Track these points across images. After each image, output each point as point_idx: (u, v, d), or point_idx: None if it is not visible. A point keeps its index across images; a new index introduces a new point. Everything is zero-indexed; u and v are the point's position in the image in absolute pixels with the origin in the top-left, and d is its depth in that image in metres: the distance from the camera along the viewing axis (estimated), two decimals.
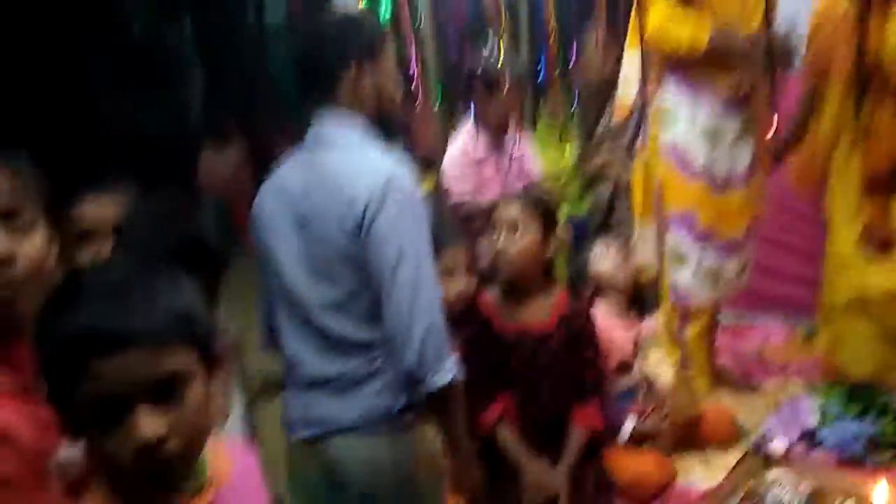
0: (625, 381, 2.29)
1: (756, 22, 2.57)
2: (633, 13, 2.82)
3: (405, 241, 1.52)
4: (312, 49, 1.66)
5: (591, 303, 2.30)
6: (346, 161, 1.57)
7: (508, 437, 2.00)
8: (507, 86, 2.69)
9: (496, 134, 2.78)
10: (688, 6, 2.50)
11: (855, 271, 2.50)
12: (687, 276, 2.77)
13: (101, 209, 1.56)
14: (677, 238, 2.75)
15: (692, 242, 2.74)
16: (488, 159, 2.78)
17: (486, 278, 2.13)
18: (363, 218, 1.50)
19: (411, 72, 3.07)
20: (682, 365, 2.87)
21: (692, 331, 2.88)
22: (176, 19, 5.23)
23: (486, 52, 2.77)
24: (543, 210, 2.03)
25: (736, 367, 3.15)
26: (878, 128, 2.43)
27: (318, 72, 1.62)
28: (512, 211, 1.99)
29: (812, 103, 2.62)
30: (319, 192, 1.57)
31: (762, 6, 2.57)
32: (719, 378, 2.98)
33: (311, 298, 1.58)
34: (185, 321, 0.84)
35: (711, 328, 3.00)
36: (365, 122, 1.61)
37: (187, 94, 5.55)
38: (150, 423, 0.78)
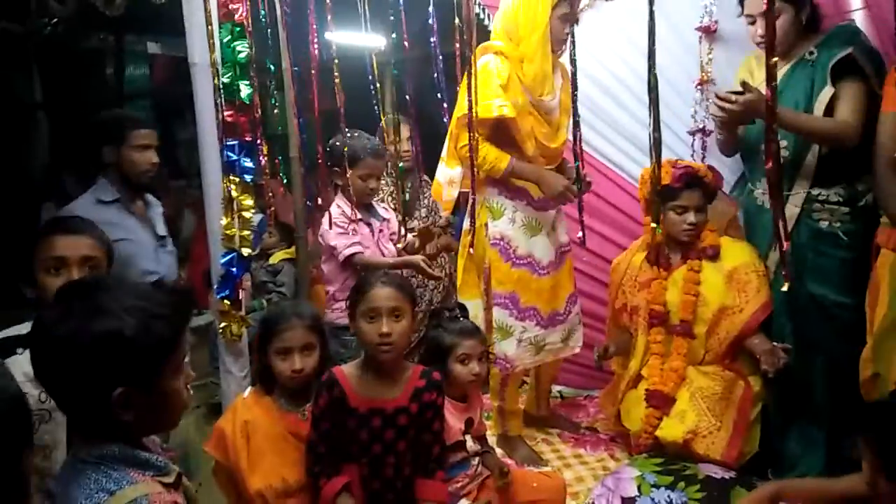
0: (456, 456, 2.32)
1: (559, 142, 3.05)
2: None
3: None
4: None
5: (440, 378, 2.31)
6: None
7: None
8: (363, 162, 2.95)
9: (361, 201, 3.03)
10: (494, 141, 2.94)
11: None
12: (512, 346, 3.07)
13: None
14: (502, 314, 3.05)
15: (515, 319, 3.06)
16: (361, 221, 3.02)
17: None
18: None
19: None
20: (500, 415, 3.24)
21: (511, 387, 3.21)
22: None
23: (346, 135, 2.93)
24: (411, 293, 2.13)
25: (570, 438, 3.39)
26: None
27: None
28: (391, 297, 2.07)
29: (628, 344, 3.13)
30: None
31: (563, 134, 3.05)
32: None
33: None
34: None
35: (543, 391, 3.45)
36: None
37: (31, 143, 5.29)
38: None
